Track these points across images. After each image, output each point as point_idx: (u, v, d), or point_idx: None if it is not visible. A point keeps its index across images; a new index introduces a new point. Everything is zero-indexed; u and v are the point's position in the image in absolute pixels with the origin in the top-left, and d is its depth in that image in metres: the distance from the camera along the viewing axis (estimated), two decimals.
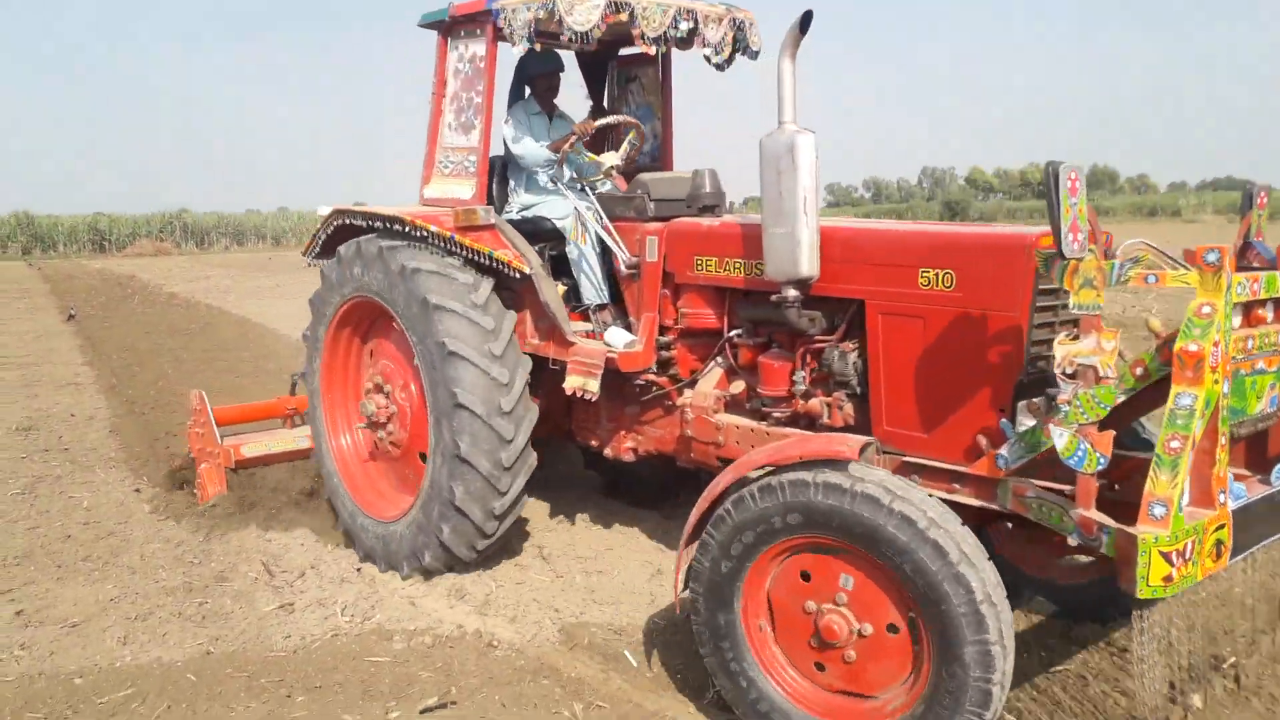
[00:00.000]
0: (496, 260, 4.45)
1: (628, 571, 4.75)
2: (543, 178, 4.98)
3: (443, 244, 4.51)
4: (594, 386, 4.34)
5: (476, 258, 4.48)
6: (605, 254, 4.71)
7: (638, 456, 4.75)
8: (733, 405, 4.21)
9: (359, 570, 4.82)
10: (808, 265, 3.61)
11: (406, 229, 4.57)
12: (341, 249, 4.90)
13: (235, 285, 21.92)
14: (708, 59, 4.79)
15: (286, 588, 4.59)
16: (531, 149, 4.86)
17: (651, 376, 4.43)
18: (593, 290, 4.72)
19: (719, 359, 4.28)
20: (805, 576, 3.08)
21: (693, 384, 4.34)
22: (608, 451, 4.83)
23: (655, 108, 5.52)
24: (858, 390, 3.73)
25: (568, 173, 4.99)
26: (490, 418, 4.25)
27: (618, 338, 4.49)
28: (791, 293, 3.68)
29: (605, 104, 5.68)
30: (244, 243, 42.38)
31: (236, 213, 45.71)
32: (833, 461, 2.98)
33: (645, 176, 4.61)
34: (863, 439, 3.06)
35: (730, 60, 4.83)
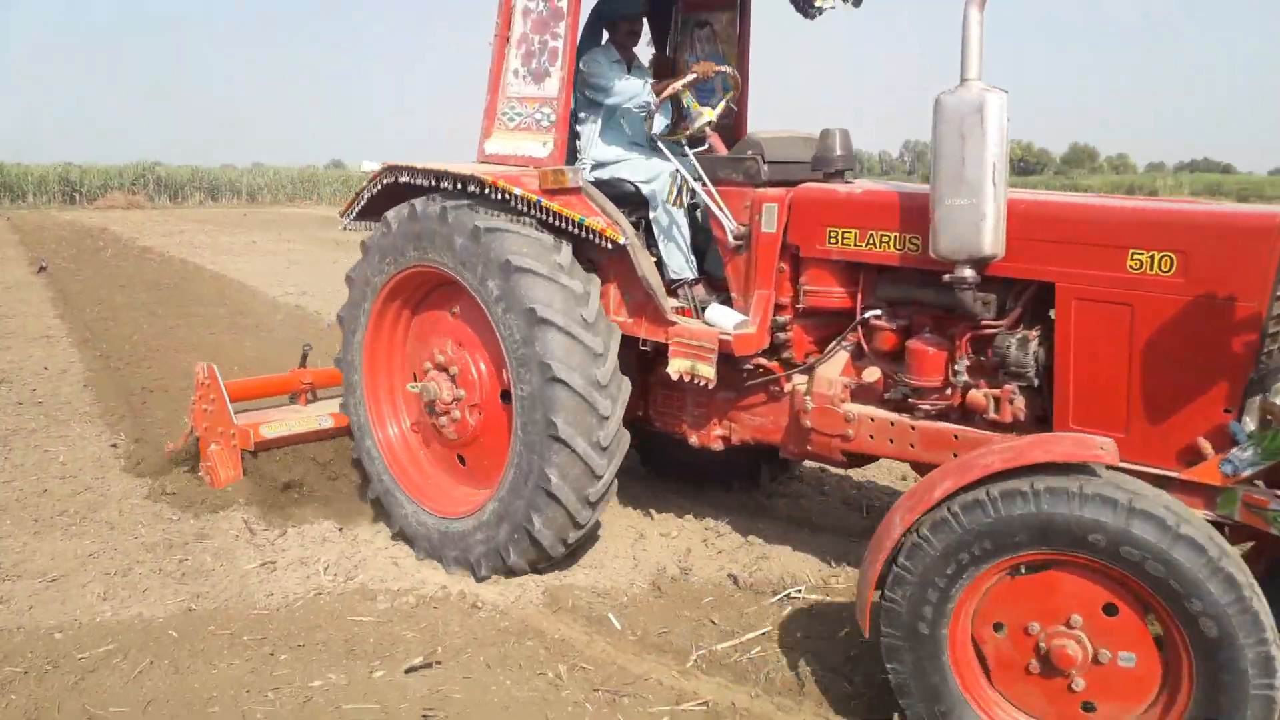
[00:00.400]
0: (587, 229, 3.99)
1: (611, 535, 4.75)
2: (627, 132, 4.53)
3: (527, 208, 4.02)
4: (708, 371, 3.92)
5: (565, 225, 4.01)
6: (693, 222, 4.31)
7: (727, 445, 4.37)
8: (860, 394, 3.81)
9: (340, 530, 4.80)
10: (991, 242, 3.19)
11: (486, 190, 4.06)
12: (390, 214, 4.40)
13: (210, 241, 21.60)
14: (800, 5, 4.38)
15: (268, 546, 4.56)
16: (631, 90, 4.31)
17: (761, 360, 4.03)
18: (684, 263, 4.27)
19: (845, 342, 3.87)
20: (1034, 595, 2.76)
21: (806, 369, 3.97)
22: (693, 440, 4.41)
23: (729, 58, 4.97)
24: (1035, 382, 3.38)
25: (660, 122, 4.40)
26: (586, 392, 3.84)
27: (725, 317, 4.02)
28: (968, 273, 3.28)
29: (669, 52, 5.17)
30: (219, 198, 41.68)
31: (211, 167, 44.98)
32: (1059, 466, 2.69)
33: (757, 135, 4.11)
34: (1109, 439, 2.78)
35: (822, 8, 4.40)
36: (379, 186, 4.59)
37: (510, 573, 4.18)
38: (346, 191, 44.41)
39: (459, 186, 4.16)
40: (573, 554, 4.33)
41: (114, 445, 6.15)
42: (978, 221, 3.18)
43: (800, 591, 4.10)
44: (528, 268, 3.89)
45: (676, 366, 4.02)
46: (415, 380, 4.61)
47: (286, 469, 5.17)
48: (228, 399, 5.14)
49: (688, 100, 4.27)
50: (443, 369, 4.42)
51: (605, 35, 4.68)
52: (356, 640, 3.71)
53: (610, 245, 4.02)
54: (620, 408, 3.99)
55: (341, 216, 4.96)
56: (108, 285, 13.64)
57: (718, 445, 4.35)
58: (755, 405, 4.20)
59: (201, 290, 13.33)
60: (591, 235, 4.01)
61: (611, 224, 4.03)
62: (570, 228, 4.01)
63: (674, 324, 4.06)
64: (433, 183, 4.27)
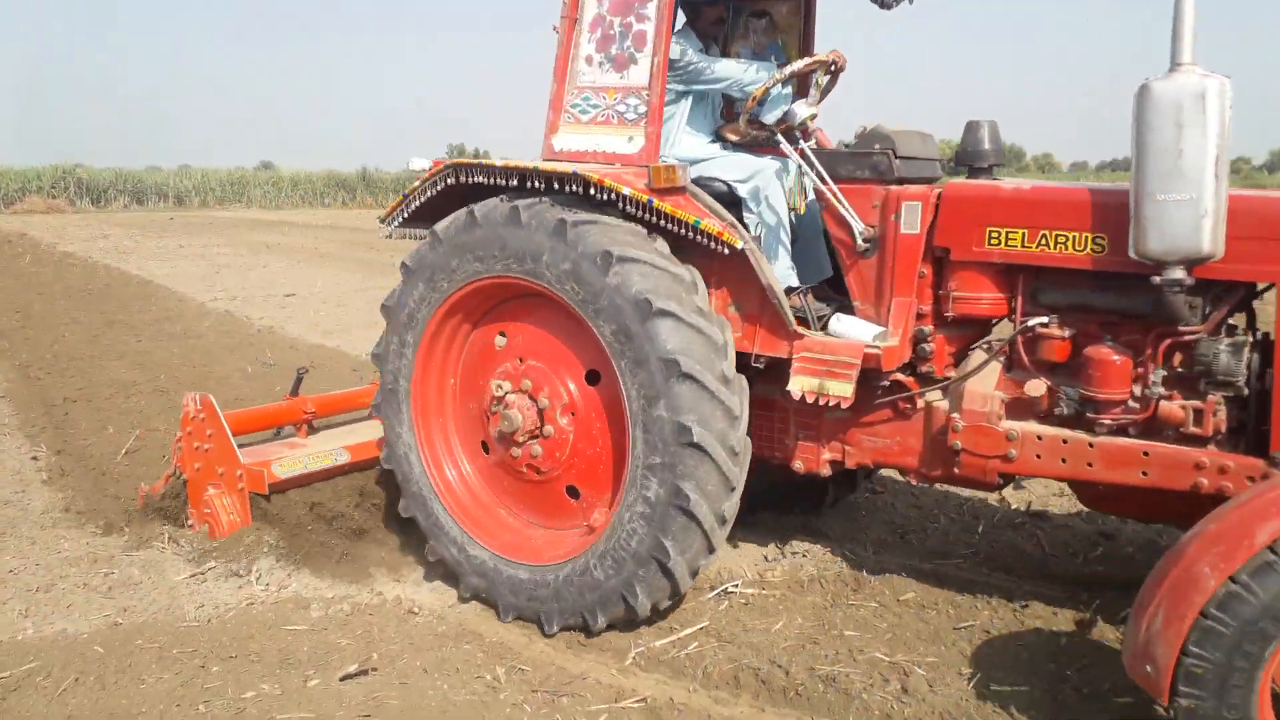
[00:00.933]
0: (703, 233, 3.57)
1: None
2: (711, 126, 4.19)
3: (636, 209, 3.60)
4: (842, 389, 3.49)
5: (678, 229, 3.60)
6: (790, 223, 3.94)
7: (836, 470, 4.01)
8: (1015, 409, 3.53)
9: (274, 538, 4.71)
10: (1211, 241, 2.96)
11: (591, 190, 3.61)
12: (442, 226, 3.88)
13: (136, 246, 21.00)
14: None
15: (198, 557, 4.46)
16: (737, 72, 3.95)
17: (897, 375, 3.67)
18: (787, 269, 3.89)
19: (998, 353, 3.58)
20: None
21: (944, 384, 3.66)
22: (797, 466, 3.98)
23: (788, 51, 4.53)
24: (1244, 392, 3.17)
25: (774, 113, 3.99)
26: (716, 388, 3.40)
27: (856, 328, 3.64)
28: (1179, 274, 3.03)
29: (720, 44, 4.63)
30: (144, 201, 40.51)
31: (136, 169, 43.68)
32: None
33: (883, 129, 3.73)
34: None
35: None
36: (435, 189, 4.02)
37: (633, 618, 3.68)
38: (277, 194, 43.57)
39: (556, 186, 3.69)
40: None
41: (35, 458, 5.97)
42: (1197, 219, 2.95)
43: (737, 586, 4.15)
44: (632, 256, 3.46)
45: (801, 385, 3.59)
46: (493, 399, 3.95)
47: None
48: (231, 435, 4.53)
49: (815, 83, 3.89)
50: (520, 393, 3.88)
51: (682, 20, 4.23)
52: (290, 650, 3.65)
53: (727, 250, 3.59)
54: (746, 407, 3.57)
55: (383, 223, 4.31)
56: (26, 292, 13.19)
57: (826, 470, 3.97)
58: (877, 425, 3.80)
59: (126, 296, 12.97)
60: (709, 241, 3.59)
61: (727, 226, 3.64)
62: (685, 232, 3.60)
63: (800, 337, 3.65)
64: (513, 183, 3.78)
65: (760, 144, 4.15)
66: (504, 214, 3.70)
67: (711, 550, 3.59)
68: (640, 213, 3.61)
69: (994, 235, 3.48)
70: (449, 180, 3.95)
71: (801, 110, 3.80)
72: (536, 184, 3.72)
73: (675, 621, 3.87)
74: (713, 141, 4.20)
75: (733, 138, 4.22)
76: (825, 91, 3.99)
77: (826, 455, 3.93)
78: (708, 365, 3.42)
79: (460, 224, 3.84)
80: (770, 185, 3.90)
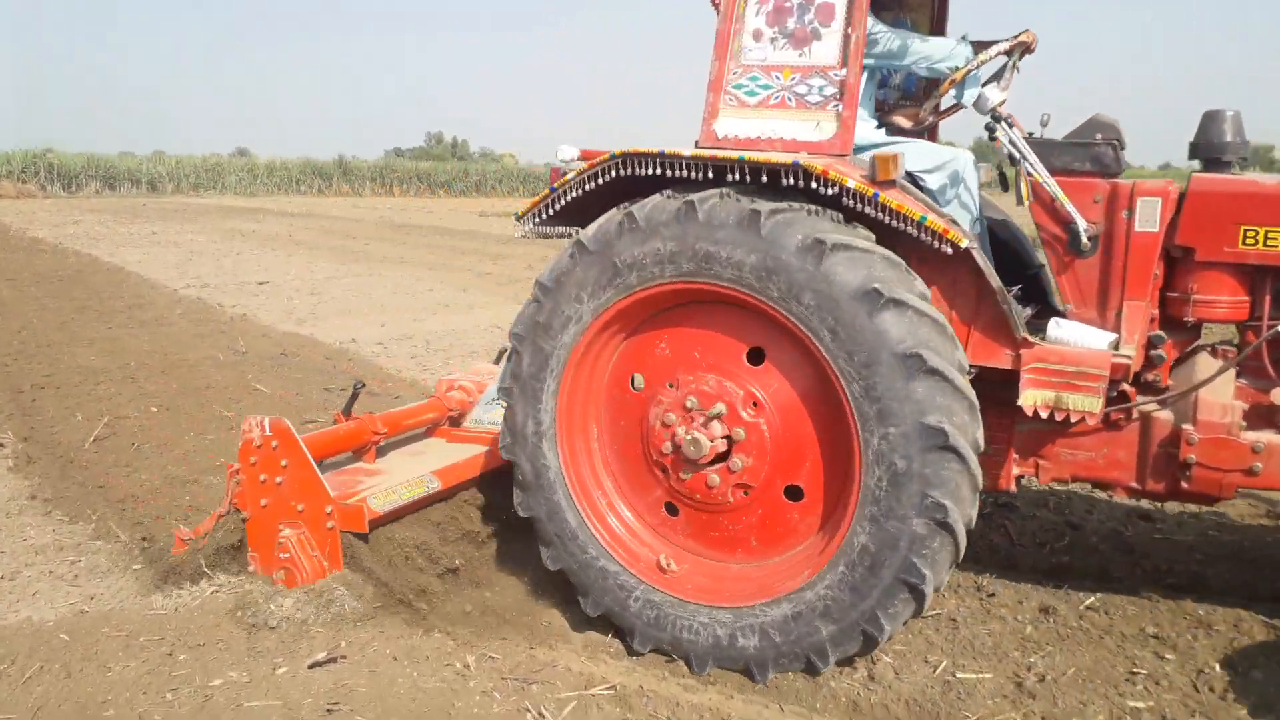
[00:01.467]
0: (927, 230, 3.18)
1: (520, 524, 4.75)
2: (872, 109, 3.78)
3: (860, 204, 3.21)
4: (1087, 404, 3.23)
5: (904, 225, 3.20)
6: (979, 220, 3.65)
7: (1019, 487, 3.76)
8: (1253, 419, 3.36)
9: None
10: None
11: (812, 182, 3.18)
12: (594, 232, 3.45)
13: (108, 232, 20.79)
14: None
15: (166, 544, 4.44)
16: (943, 50, 3.57)
17: (1124, 386, 3.42)
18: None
19: (1231, 360, 3.40)
20: None
21: (1164, 392, 3.45)
22: (983, 482, 3.53)
23: (918, 28, 4.11)
24: None
25: (971, 94, 3.63)
26: (959, 382, 3.07)
27: (1088, 335, 3.35)
28: None
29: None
30: (117, 187, 40.06)
31: (109, 154, 43.14)
32: None
33: (1104, 118, 3.47)
34: None
35: None
36: (596, 181, 3.51)
37: (868, 648, 3.30)
38: (253, 181, 43.17)
39: (756, 178, 3.28)
40: None
41: (1, 445, 5.89)
42: None
43: None
44: (844, 243, 3.10)
45: (1034, 399, 3.31)
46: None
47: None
48: (315, 465, 3.92)
49: (1011, 65, 3.56)
50: (711, 416, 3.40)
51: None
52: (259, 638, 3.64)
53: (950, 249, 3.21)
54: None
55: (519, 220, 3.79)
56: None
57: (1013, 487, 3.70)
58: (1080, 437, 3.53)
59: (97, 283, 12.84)
60: (930, 238, 3.21)
61: (949, 224, 3.26)
62: (907, 228, 3.20)
63: (1029, 345, 3.34)
64: (699, 175, 3.36)
65: (924, 131, 3.92)
66: (675, 211, 3.29)
67: (957, 560, 3.25)
68: (859, 206, 3.23)
69: (1250, 234, 3.30)
70: (613, 173, 3.47)
71: (994, 95, 3.47)
72: (735, 175, 3.30)
73: None
74: (878, 127, 3.80)
75: (905, 123, 3.92)
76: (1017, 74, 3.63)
77: (1016, 470, 3.65)
78: (947, 356, 3.08)
79: (620, 226, 3.39)
80: (968, 175, 3.61)
